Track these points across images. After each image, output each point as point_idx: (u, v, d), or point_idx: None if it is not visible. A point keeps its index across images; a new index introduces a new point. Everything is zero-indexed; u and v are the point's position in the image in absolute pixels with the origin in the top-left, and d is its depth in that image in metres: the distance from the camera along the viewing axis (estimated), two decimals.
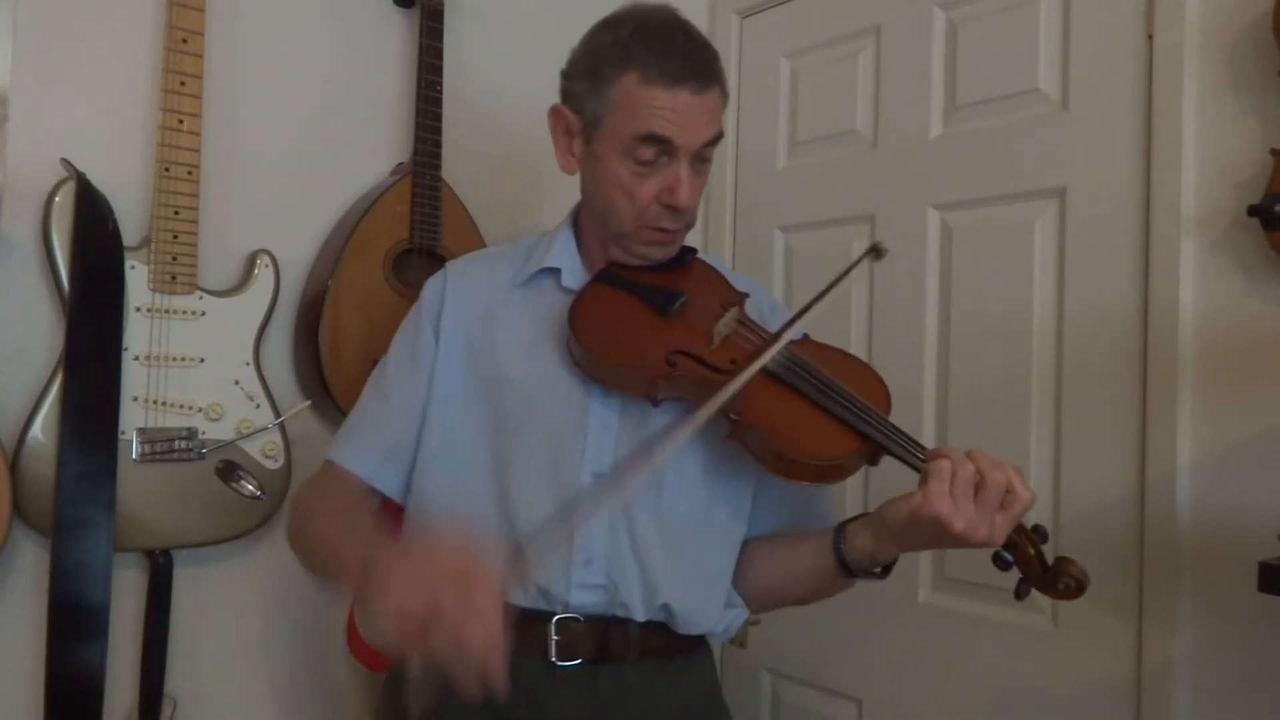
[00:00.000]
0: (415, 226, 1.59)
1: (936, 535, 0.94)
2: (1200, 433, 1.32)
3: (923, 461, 0.98)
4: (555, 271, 1.15)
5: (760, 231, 1.94)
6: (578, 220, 1.20)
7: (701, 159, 1.07)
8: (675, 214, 1.07)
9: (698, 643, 1.15)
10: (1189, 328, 1.33)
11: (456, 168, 1.65)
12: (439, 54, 1.62)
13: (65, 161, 1.35)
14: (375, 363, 1.54)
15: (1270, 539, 1.18)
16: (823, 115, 1.85)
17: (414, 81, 1.61)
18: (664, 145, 1.03)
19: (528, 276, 1.16)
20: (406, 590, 0.78)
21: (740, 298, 1.14)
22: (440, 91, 1.62)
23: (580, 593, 1.05)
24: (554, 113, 1.13)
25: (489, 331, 1.14)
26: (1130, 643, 1.37)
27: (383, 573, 0.81)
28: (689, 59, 1.03)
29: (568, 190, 2.04)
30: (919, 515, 0.94)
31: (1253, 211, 1.21)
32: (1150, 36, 1.39)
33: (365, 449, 1.15)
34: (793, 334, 1.05)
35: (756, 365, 0.99)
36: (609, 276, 1.12)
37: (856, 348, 1.74)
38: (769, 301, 1.25)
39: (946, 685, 1.59)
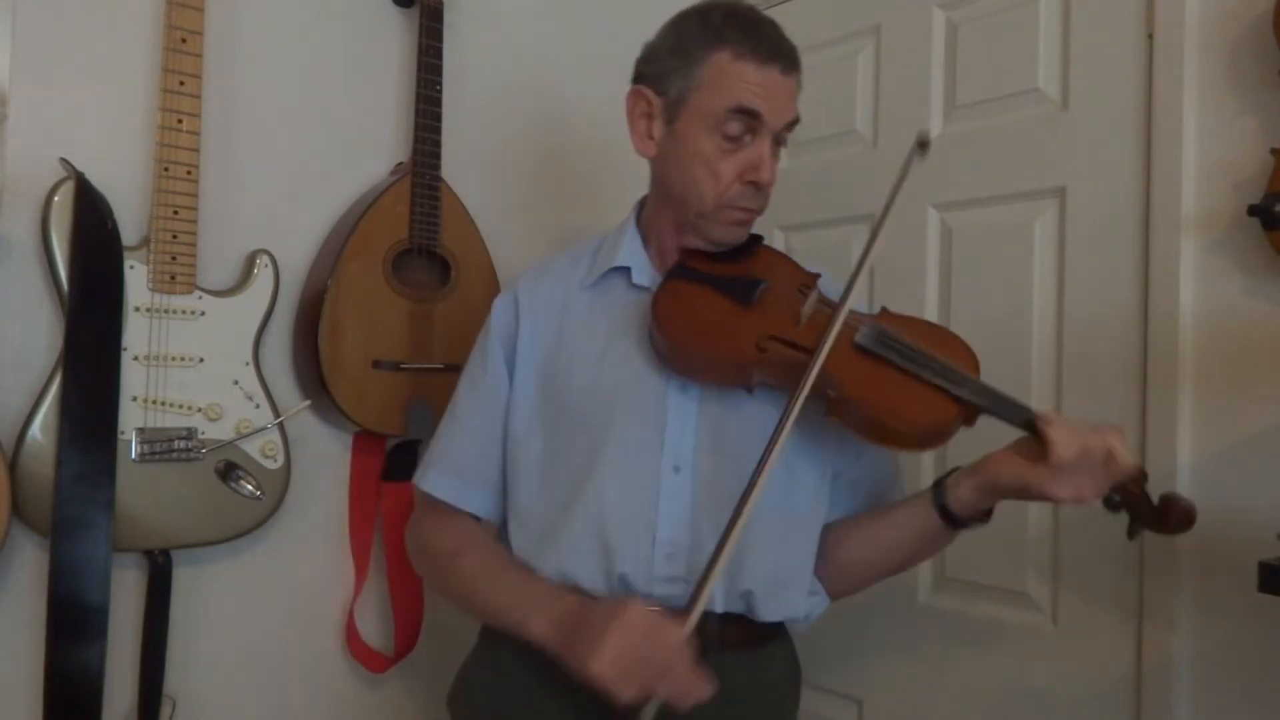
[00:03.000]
0: (415, 226, 1.59)
1: (1043, 498, 1.00)
2: (1200, 432, 1.32)
3: (1026, 420, 1.01)
4: (625, 270, 1.17)
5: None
6: (641, 216, 1.22)
7: (779, 142, 1.11)
8: (756, 192, 1.10)
9: (776, 630, 1.18)
10: (1189, 328, 1.33)
11: (456, 167, 1.65)
12: (439, 54, 1.62)
13: (64, 161, 1.35)
14: (375, 363, 1.56)
15: (1270, 539, 1.17)
16: (823, 115, 1.84)
17: (413, 81, 1.61)
18: (753, 120, 1.07)
19: (597, 277, 1.18)
20: (620, 651, 0.94)
21: (813, 278, 1.16)
22: (440, 91, 1.61)
23: (662, 585, 1.08)
24: (634, 94, 1.15)
25: (562, 339, 1.17)
26: (1130, 643, 1.37)
27: (593, 638, 0.95)
28: (778, 43, 1.10)
29: (568, 189, 2.04)
30: (1030, 489, 1.00)
31: (1253, 211, 1.21)
32: (1150, 36, 1.39)
33: (459, 481, 1.19)
34: (864, 274, 1.07)
35: (840, 317, 1.02)
36: (684, 271, 1.13)
37: None
38: (829, 283, 1.24)
39: (946, 685, 1.59)
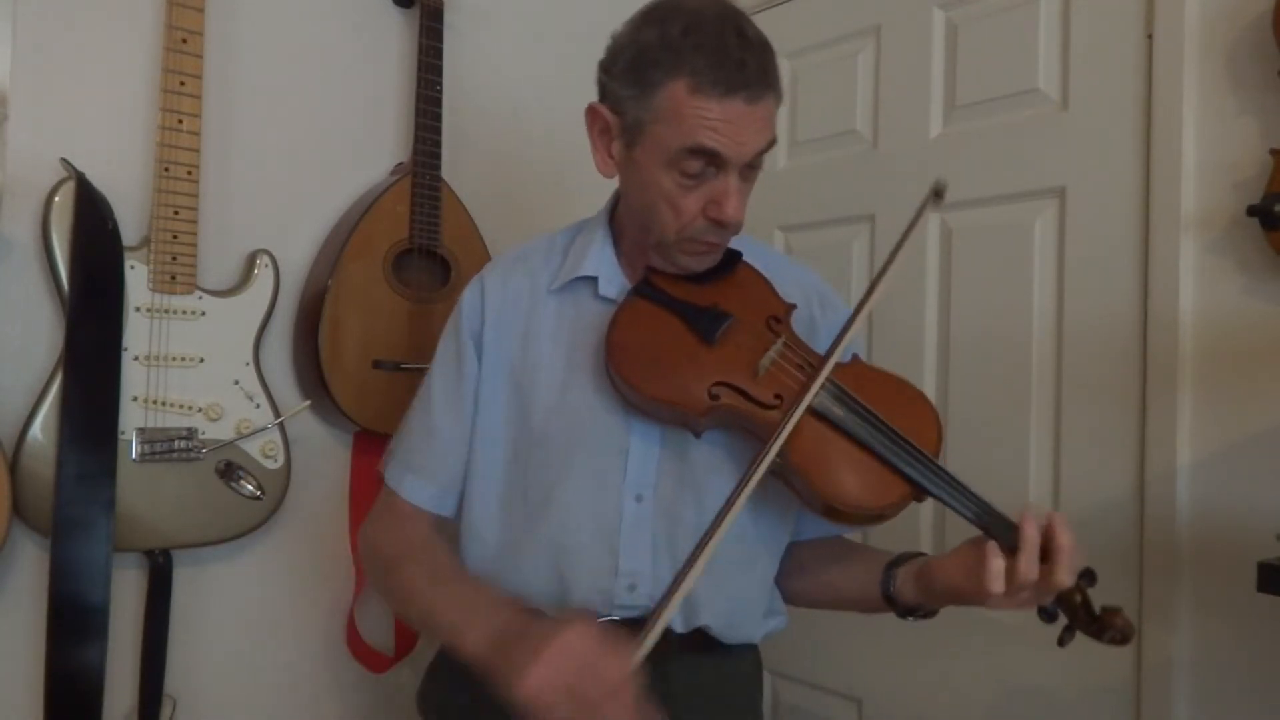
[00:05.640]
0: (415, 226, 1.59)
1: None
2: (1200, 433, 1.32)
3: (973, 511, 0.96)
4: (592, 279, 1.10)
5: (760, 231, 1.93)
6: (614, 216, 1.14)
7: (751, 167, 1.00)
8: (721, 228, 1.00)
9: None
10: (1189, 328, 1.33)
11: (456, 167, 1.65)
12: (439, 54, 1.62)
13: (65, 161, 1.36)
14: (375, 363, 1.56)
15: (1270, 539, 1.17)
16: (823, 115, 1.84)
17: (414, 81, 1.61)
18: (712, 158, 0.96)
19: (563, 284, 1.11)
20: (551, 676, 0.85)
21: (787, 311, 1.07)
22: (440, 91, 1.62)
23: (621, 612, 1.05)
24: (590, 112, 1.04)
25: (527, 346, 1.10)
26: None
27: (523, 658, 0.86)
28: (743, 66, 0.93)
29: (568, 190, 2.03)
30: (962, 600, 0.98)
31: (1253, 211, 1.21)
32: (1150, 36, 1.39)
33: (425, 480, 1.13)
34: (840, 356, 1.00)
35: (803, 404, 0.96)
36: (649, 290, 1.05)
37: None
38: (818, 294, 1.18)
39: (946, 685, 1.59)
